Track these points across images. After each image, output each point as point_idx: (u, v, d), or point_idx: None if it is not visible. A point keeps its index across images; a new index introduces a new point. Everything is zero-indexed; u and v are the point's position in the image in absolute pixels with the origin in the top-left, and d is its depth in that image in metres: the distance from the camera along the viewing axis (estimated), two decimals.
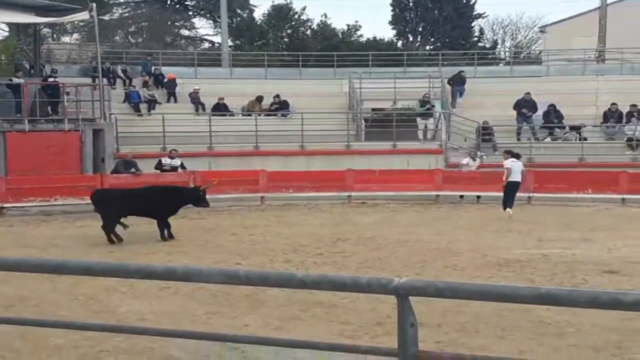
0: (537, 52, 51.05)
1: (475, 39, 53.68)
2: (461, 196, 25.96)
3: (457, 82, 33.88)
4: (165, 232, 17.71)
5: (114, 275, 3.66)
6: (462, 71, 34.81)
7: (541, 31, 53.38)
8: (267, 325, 9.93)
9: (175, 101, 32.79)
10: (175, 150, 25.58)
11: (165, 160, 24.99)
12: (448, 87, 33.11)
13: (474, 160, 27.07)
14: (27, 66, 31.58)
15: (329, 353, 3.56)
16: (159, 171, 24.71)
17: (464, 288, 3.39)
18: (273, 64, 38.29)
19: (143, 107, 31.39)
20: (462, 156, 27.85)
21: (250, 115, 31.07)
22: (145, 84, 32.92)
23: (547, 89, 32.44)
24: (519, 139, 30.44)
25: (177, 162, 25.06)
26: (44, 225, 20.83)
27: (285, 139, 29.12)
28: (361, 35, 50.74)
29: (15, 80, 26.72)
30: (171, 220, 18.03)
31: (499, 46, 56.19)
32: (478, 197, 25.80)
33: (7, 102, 26.62)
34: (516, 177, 22.16)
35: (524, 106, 30.87)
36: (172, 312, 10.66)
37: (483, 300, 3.39)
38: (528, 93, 31.06)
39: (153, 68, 34.21)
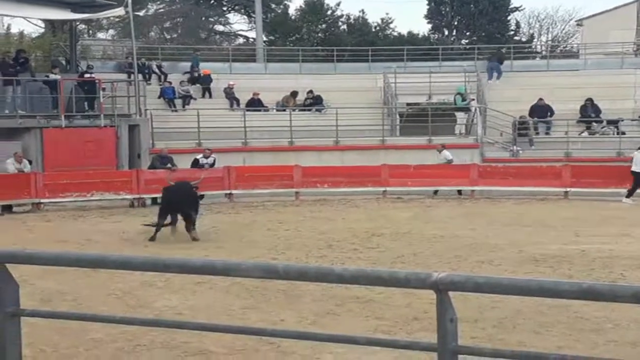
0: (574, 45, 50.59)
1: (512, 32, 53.25)
2: (435, 191, 25.78)
3: (494, 59, 33.96)
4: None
5: (153, 269, 3.65)
6: (502, 49, 34.73)
7: (578, 24, 52.85)
8: (303, 320, 9.92)
9: (210, 97, 32.86)
10: (209, 149, 25.70)
11: (202, 160, 25.09)
12: (484, 82, 32.86)
13: (440, 152, 26.82)
14: (64, 62, 31.81)
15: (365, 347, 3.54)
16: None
17: (504, 283, 3.35)
18: (307, 59, 38.26)
19: (178, 102, 31.50)
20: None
21: (284, 110, 31.08)
22: (192, 80, 33.05)
23: (584, 83, 32.13)
24: (537, 133, 30.13)
25: (211, 160, 25.19)
26: (81, 220, 20.98)
27: (319, 134, 29.11)
28: (394, 29, 50.62)
29: (52, 77, 26.92)
30: (209, 215, 18.10)
31: (535, 40, 55.75)
32: (435, 192, 25.71)
33: (44, 98, 26.83)
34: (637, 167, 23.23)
35: (538, 112, 30.54)
36: (208, 306, 10.69)
37: (523, 295, 3.34)
38: (541, 99, 30.65)
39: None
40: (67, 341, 8.73)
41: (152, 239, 16.96)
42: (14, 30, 41.11)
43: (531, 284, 3.35)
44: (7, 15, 33.92)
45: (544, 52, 44.20)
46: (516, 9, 53.33)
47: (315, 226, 19.16)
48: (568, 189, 24.73)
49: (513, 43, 43.98)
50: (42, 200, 23.08)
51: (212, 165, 25.05)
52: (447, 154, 26.65)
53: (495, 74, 33.68)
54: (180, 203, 17.12)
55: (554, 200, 24.06)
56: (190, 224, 17.19)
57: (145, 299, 11.21)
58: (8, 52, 26.91)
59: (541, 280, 3.27)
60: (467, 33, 52.73)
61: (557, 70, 34.62)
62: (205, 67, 33.94)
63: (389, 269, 3.35)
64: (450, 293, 3.31)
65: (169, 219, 17.26)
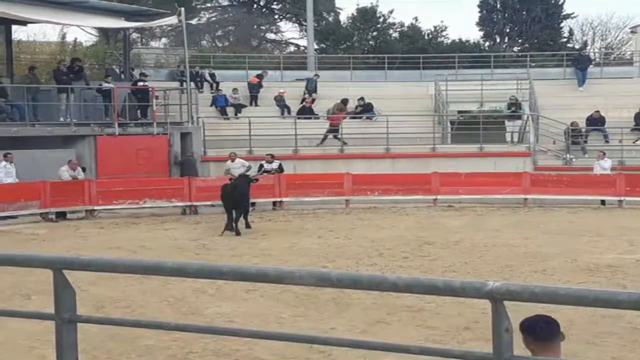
0: (628, 52, 49.92)
1: (565, 39, 52.72)
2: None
3: (577, 65, 34.52)
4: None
5: (207, 276, 3.67)
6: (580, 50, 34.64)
7: (632, 32, 52.18)
8: (354, 329, 9.91)
9: (256, 104, 32.70)
10: (270, 154, 25.84)
11: (267, 166, 25.27)
12: (536, 89, 32.48)
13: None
14: (117, 70, 32.17)
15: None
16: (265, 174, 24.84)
17: (560, 293, 3.30)
18: (358, 67, 38.23)
19: (230, 111, 31.60)
20: None
21: None
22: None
23: (638, 90, 31.71)
24: (585, 142, 29.60)
25: (275, 165, 25.38)
26: (134, 228, 21.17)
27: (370, 142, 29.05)
28: (446, 36, 50.34)
29: (105, 86, 27.20)
30: (259, 222, 18.32)
31: (588, 47, 55.11)
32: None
33: (98, 106, 27.15)
34: None
35: (594, 124, 30.09)
36: (259, 314, 10.71)
37: (580, 305, 3.30)
38: (597, 111, 30.18)
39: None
40: (120, 347, 8.82)
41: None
42: (69, 38, 41.75)
43: (588, 294, 3.30)
44: (62, 24, 34.39)
45: (597, 60, 43.67)
46: (569, 16, 52.77)
47: (366, 234, 19.12)
48: (622, 198, 24.38)
49: (566, 50, 43.56)
50: (95, 207, 23.32)
51: (281, 170, 25.24)
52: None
53: (580, 81, 33.70)
54: (235, 195, 18.74)
55: (607, 209, 23.74)
56: (243, 215, 18.98)
57: (197, 306, 11.28)
58: (63, 61, 27.18)
59: (598, 290, 3.21)
60: (519, 40, 52.30)
61: (611, 78, 34.29)
62: (254, 75, 33.94)
63: (444, 278, 3.33)
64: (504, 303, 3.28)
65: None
